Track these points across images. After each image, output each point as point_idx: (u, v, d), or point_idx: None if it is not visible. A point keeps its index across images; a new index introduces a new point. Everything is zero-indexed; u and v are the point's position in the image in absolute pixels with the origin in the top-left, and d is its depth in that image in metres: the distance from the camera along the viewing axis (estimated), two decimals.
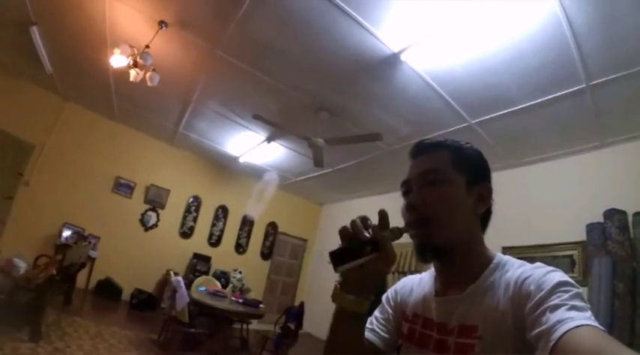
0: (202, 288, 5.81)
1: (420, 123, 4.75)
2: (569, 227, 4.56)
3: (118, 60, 4.20)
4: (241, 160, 7.73)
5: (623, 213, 4.03)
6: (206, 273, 7.69)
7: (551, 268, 0.73)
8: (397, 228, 0.82)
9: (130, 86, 4.71)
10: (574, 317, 0.57)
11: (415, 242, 0.85)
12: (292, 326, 5.59)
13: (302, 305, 5.80)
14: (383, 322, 1.03)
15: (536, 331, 0.61)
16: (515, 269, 0.79)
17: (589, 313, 0.60)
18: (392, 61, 3.68)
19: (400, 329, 0.99)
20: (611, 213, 4.08)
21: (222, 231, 8.66)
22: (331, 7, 3.19)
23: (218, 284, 6.55)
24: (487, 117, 4.34)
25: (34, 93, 6.65)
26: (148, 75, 4.28)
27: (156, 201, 7.88)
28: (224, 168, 8.62)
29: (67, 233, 6.73)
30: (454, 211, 0.85)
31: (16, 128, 6.40)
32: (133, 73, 4.24)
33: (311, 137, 4.81)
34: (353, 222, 0.81)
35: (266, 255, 9.28)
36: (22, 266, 5.75)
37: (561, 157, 4.94)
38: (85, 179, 7.12)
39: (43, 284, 3.91)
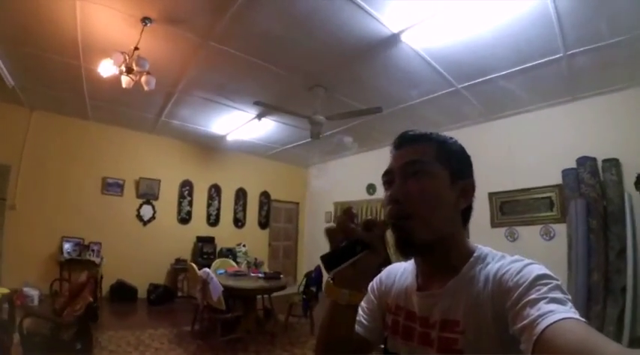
0: (221, 271, 6.07)
1: (413, 89, 5.03)
2: (546, 172, 5.23)
3: (107, 69, 4.04)
4: (229, 138, 7.76)
5: (594, 159, 4.72)
6: (212, 254, 7.98)
7: (528, 261, 0.74)
8: (383, 222, 0.84)
9: (106, 86, 4.57)
10: (555, 310, 0.58)
11: (396, 236, 0.83)
12: (314, 289, 5.99)
13: (318, 268, 6.18)
14: (368, 312, 1.02)
15: (519, 326, 0.61)
16: (494, 263, 0.79)
17: (569, 305, 0.61)
18: (392, 40, 3.89)
19: (385, 319, 0.98)
20: (584, 161, 4.76)
21: (218, 209, 8.85)
22: None
23: (234, 263, 6.82)
24: (473, 82, 4.75)
25: None
26: (143, 79, 4.08)
27: (148, 193, 7.86)
28: (210, 148, 8.62)
29: (67, 246, 6.62)
30: (437, 206, 0.82)
31: None
32: (125, 79, 4.04)
33: (311, 115, 4.97)
34: (340, 223, 0.85)
35: (263, 224, 9.63)
36: (35, 294, 5.78)
37: (538, 110, 5.48)
38: (71, 187, 6.89)
39: (84, 315, 3.70)
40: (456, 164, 0.88)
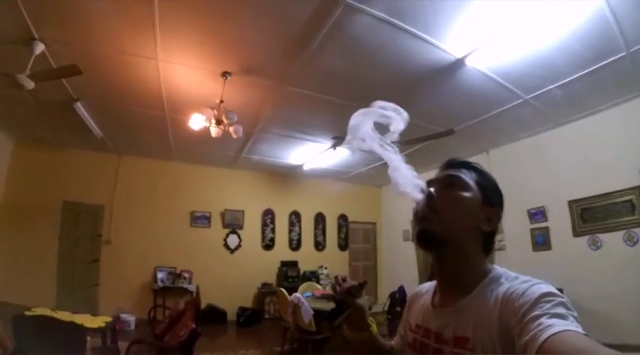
0: (308, 294, 6.32)
1: (481, 106, 5.10)
2: (624, 174, 4.95)
3: (197, 123, 4.44)
4: (305, 167, 8.17)
5: None
6: (297, 277, 8.33)
7: (537, 281, 0.77)
8: (357, 286, 1.04)
9: (190, 130, 4.88)
10: (554, 324, 0.60)
11: (418, 228, 0.90)
12: (399, 309, 6.07)
13: (402, 288, 6.28)
14: (402, 331, 1.14)
15: (523, 342, 0.63)
16: (506, 283, 0.82)
17: (571, 319, 0.62)
18: (457, 65, 4.09)
19: (407, 337, 1.07)
20: None
21: (299, 234, 9.26)
22: (398, 31, 3.52)
23: (319, 286, 7.06)
24: (539, 91, 4.74)
25: (90, 158, 7.17)
26: (231, 129, 4.52)
27: (233, 223, 8.45)
28: (288, 177, 9.12)
29: (161, 275, 7.26)
30: (463, 214, 0.90)
31: (83, 195, 6.95)
32: (214, 130, 4.50)
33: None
34: (332, 290, 1.08)
35: (343, 246, 9.88)
36: (131, 319, 6.42)
37: (606, 110, 5.25)
38: (161, 222, 7.61)
39: (188, 340, 4.01)
40: (490, 192, 0.94)
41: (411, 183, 0.89)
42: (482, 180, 0.95)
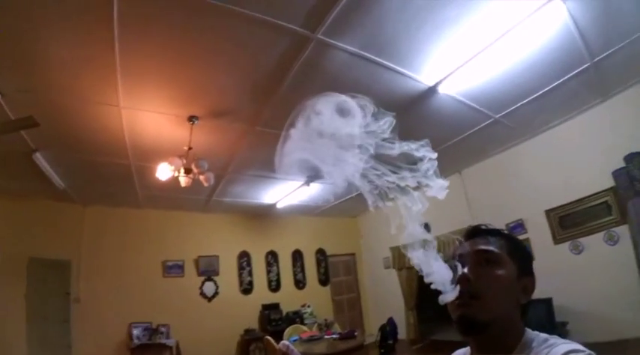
0: (295, 338, 6.04)
1: (453, 130, 5.17)
2: (597, 177, 5.07)
3: (164, 172, 4.21)
4: (279, 206, 7.99)
5: None
6: (280, 320, 7.99)
7: (562, 341, 0.79)
8: None
9: (157, 178, 4.66)
10: None
11: (458, 313, 0.87)
12: (391, 342, 5.87)
13: (391, 320, 6.10)
14: None
15: None
16: (537, 347, 0.83)
17: None
18: (430, 92, 4.17)
19: None
20: (631, 157, 4.57)
21: (278, 274, 8.93)
22: (372, 65, 3.55)
23: (305, 328, 6.79)
24: (508, 110, 4.87)
25: (53, 210, 6.63)
26: (202, 177, 4.32)
27: (209, 270, 8.05)
28: (261, 216, 8.83)
29: (136, 332, 6.77)
30: (503, 294, 0.87)
31: (47, 250, 6.36)
32: (183, 180, 4.26)
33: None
34: None
35: (324, 281, 9.61)
36: None
37: (572, 118, 5.43)
38: (132, 274, 7.14)
39: None
40: (523, 260, 0.93)
41: (446, 281, 0.85)
42: (513, 247, 0.94)
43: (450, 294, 0.84)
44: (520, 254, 0.94)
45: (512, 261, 0.91)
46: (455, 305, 0.87)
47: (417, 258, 0.85)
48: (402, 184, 0.89)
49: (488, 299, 0.84)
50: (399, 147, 0.90)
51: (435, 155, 0.88)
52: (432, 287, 0.83)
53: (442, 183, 0.86)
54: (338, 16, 2.94)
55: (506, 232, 0.98)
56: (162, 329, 6.97)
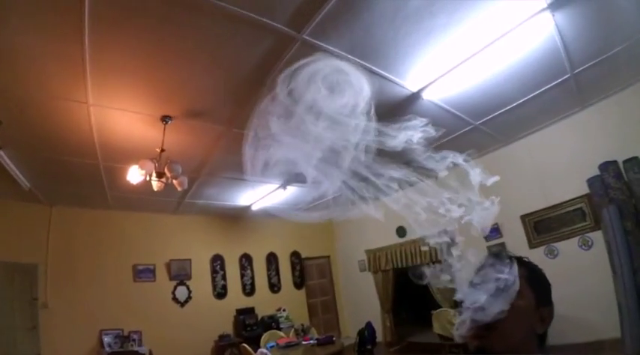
0: (272, 344, 5.92)
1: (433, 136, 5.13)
2: (573, 184, 5.24)
3: (135, 176, 3.98)
4: (254, 208, 7.82)
5: (615, 162, 4.68)
6: (255, 324, 7.82)
7: None
8: None
9: (126, 180, 4.44)
10: None
11: (475, 343, 0.85)
12: (370, 347, 5.81)
13: (370, 324, 6.03)
14: None
15: None
16: None
17: None
18: (414, 98, 4.18)
19: None
20: (606, 165, 4.73)
21: (252, 278, 8.76)
22: (359, 68, 3.41)
23: (282, 334, 6.67)
24: (488, 117, 4.96)
25: (18, 211, 6.23)
26: (176, 182, 4.12)
27: (181, 274, 7.79)
28: (235, 219, 8.65)
29: (107, 339, 6.47)
30: (521, 325, 0.85)
31: (12, 253, 5.96)
32: (156, 184, 4.02)
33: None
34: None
35: (299, 284, 9.52)
36: None
37: (550, 125, 5.58)
38: (102, 279, 6.81)
39: None
40: (542, 290, 0.93)
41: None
42: (532, 276, 0.93)
43: (464, 326, 0.85)
44: (539, 283, 0.93)
45: (531, 290, 0.89)
46: (471, 335, 0.86)
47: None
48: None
49: (505, 330, 0.83)
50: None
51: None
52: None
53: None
54: (326, 17, 2.87)
55: (526, 260, 0.96)
56: (134, 336, 6.71)
